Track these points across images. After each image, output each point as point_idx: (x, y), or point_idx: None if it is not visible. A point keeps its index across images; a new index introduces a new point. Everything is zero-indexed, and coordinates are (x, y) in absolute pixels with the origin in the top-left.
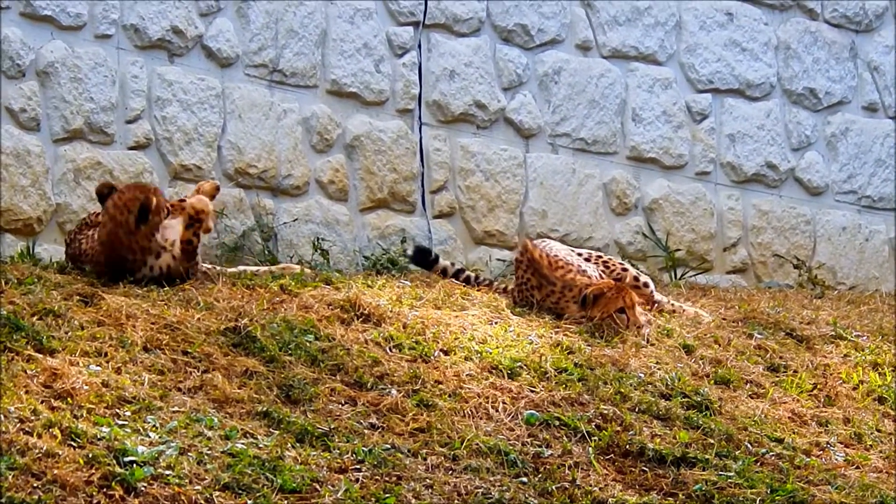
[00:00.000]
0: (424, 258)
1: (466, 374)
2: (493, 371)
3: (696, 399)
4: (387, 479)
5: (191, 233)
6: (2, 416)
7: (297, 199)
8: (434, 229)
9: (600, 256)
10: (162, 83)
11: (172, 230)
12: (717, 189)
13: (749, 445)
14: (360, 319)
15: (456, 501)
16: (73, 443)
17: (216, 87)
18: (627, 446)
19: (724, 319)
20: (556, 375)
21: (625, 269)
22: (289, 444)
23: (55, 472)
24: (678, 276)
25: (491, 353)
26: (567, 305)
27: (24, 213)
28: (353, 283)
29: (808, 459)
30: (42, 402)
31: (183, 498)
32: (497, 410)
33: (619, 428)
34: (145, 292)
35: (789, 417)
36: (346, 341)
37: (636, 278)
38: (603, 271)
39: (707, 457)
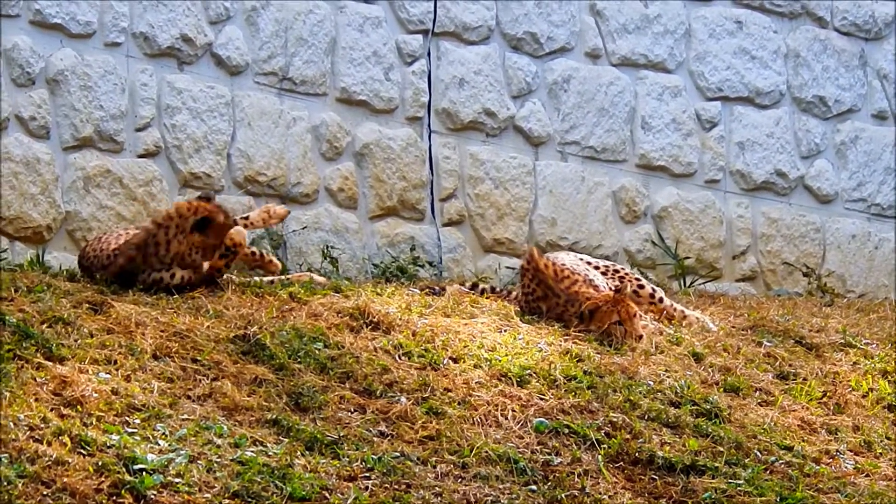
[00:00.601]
0: None
1: (476, 382)
2: (503, 379)
3: (705, 407)
4: (396, 486)
5: (223, 263)
6: (11, 424)
7: (306, 207)
8: (443, 237)
9: (617, 271)
10: (171, 91)
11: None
12: (727, 197)
13: (758, 453)
14: (370, 327)
15: None
16: (82, 451)
17: (226, 95)
18: (637, 454)
19: (733, 327)
20: (565, 383)
21: (641, 286)
22: (298, 452)
23: (65, 479)
24: (687, 284)
25: (500, 361)
26: (570, 319)
27: (34, 221)
28: (363, 290)
29: (817, 467)
30: (51, 410)
31: None
32: (506, 418)
33: (628, 436)
34: (154, 300)
35: (799, 425)
36: (356, 349)
37: (651, 294)
38: (617, 286)
39: (716, 465)
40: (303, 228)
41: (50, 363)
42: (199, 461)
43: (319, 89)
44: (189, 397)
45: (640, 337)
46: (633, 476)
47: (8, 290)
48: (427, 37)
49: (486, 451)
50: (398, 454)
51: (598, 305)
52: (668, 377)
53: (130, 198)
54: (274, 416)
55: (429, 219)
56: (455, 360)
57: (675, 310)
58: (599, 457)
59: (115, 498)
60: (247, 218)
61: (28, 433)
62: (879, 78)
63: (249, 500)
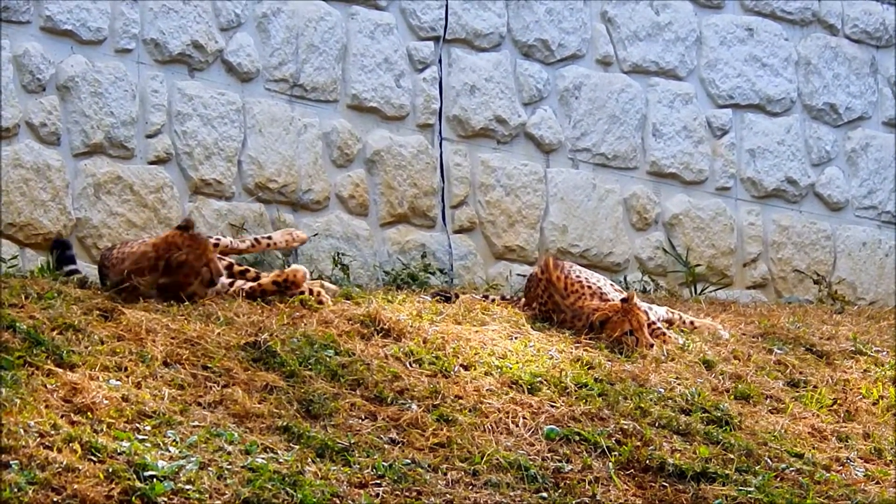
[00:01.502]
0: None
1: (486, 389)
2: (513, 386)
3: (716, 414)
4: (407, 493)
5: (272, 290)
6: (22, 431)
7: (317, 214)
8: (454, 244)
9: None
10: (182, 98)
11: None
12: (738, 204)
13: (769, 460)
14: (380, 334)
15: None
16: (93, 457)
17: (236, 102)
18: (647, 461)
19: (743, 335)
20: (576, 390)
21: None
22: (309, 459)
23: (75, 486)
24: (698, 292)
25: (511, 368)
26: (580, 329)
27: (44, 228)
28: (373, 297)
29: (827, 475)
30: (62, 417)
31: None
32: (517, 425)
33: (639, 443)
34: (165, 307)
35: (809, 432)
36: (366, 356)
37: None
38: (624, 296)
39: (727, 472)
40: (314, 235)
41: (60, 370)
42: (209, 468)
43: (330, 96)
44: (200, 404)
45: (651, 346)
46: (643, 483)
47: (18, 296)
48: (438, 44)
49: (497, 459)
50: (409, 461)
51: (609, 316)
52: (678, 384)
53: (141, 204)
54: (284, 423)
55: (440, 226)
56: (466, 368)
57: (683, 322)
58: (610, 464)
59: None
60: (270, 237)
61: (38, 440)
62: (890, 85)
63: None
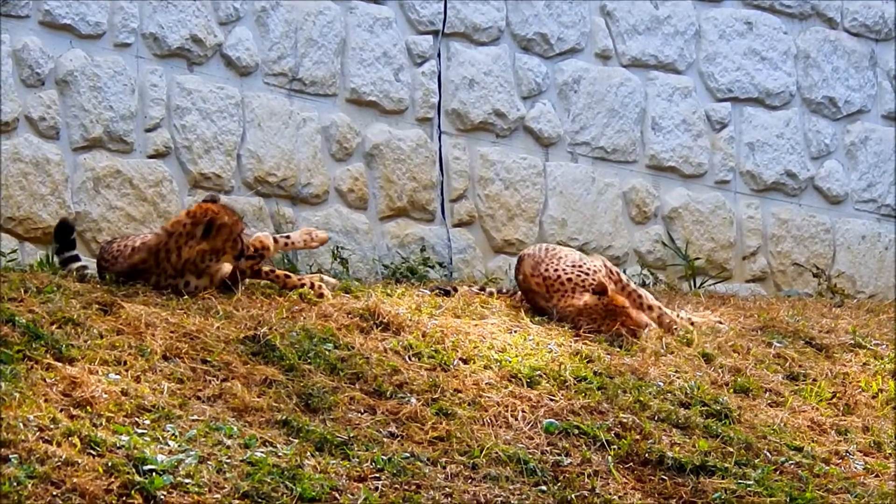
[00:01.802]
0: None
1: (486, 383)
2: (513, 380)
3: (715, 407)
4: (406, 487)
5: (249, 265)
6: (21, 425)
7: (316, 208)
8: (453, 238)
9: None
10: (181, 92)
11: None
12: (737, 198)
13: (768, 454)
14: (380, 328)
15: None
16: (92, 451)
17: (235, 96)
18: (647, 455)
19: (743, 328)
20: (575, 384)
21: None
22: (308, 453)
23: (74, 480)
24: (698, 285)
25: (510, 362)
26: (576, 326)
27: (44, 222)
28: (373, 291)
29: (827, 468)
30: (61, 411)
31: None
32: (516, 419)
33: (638, 436)
34: (164, 301)
35: (808, 426)
36: (366, 350)
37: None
38: (594, 288)
39: (726, 465)
40: None
41: (59, 364)
42: (209, 462)
43: (329, 90)
44: (199, 398)
45: (646, 325)
46: (642, 477)
47: (17, 290)
48: (437, 37)
49: (497, 452)
50: (408, 455)
51: (596, 320)
52: (678, 378)
53: (140, 198)
54: (284, 417)
55: (439, 219)
56: (465, 361)
57: (680, 318)
58: (609, 457)
59: (124, 499)
60: (288, 237)
61: (38, 434)
62: (889, 79)
63: (259, 500)
